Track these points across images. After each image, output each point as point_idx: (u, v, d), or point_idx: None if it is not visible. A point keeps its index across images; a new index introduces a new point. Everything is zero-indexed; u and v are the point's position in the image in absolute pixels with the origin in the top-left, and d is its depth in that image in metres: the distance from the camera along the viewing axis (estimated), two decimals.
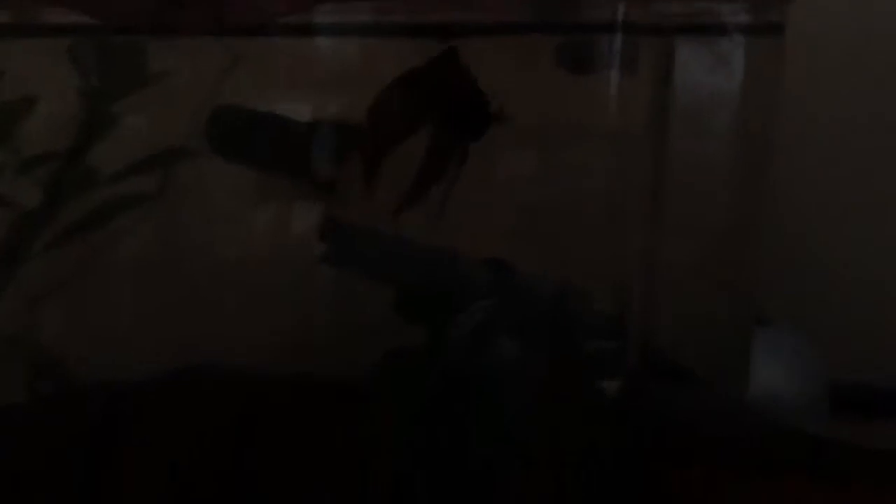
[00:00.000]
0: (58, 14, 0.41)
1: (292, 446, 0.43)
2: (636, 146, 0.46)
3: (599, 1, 0.42)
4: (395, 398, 0.43)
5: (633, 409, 0.43)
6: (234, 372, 0.46)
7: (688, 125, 0.46)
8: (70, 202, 0.44)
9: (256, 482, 0.42)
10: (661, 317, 0.48)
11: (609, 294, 0.46)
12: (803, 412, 0.51)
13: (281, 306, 0.46)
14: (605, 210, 0.46)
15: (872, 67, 0.57)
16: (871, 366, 0.61)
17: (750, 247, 0.48)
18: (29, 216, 0.43)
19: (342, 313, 0.46)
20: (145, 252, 0.46)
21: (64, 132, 0.44)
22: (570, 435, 0.43)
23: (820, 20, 0.48)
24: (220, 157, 0.42)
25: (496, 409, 0.43)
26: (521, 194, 0.46)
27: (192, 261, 0.46)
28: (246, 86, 0.43)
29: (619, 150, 0.46)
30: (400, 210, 0.41)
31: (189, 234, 0.46)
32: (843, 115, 0.55)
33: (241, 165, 0.43)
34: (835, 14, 0.50)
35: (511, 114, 0.41)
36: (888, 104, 0.60)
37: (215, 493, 0.42)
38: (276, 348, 0.46)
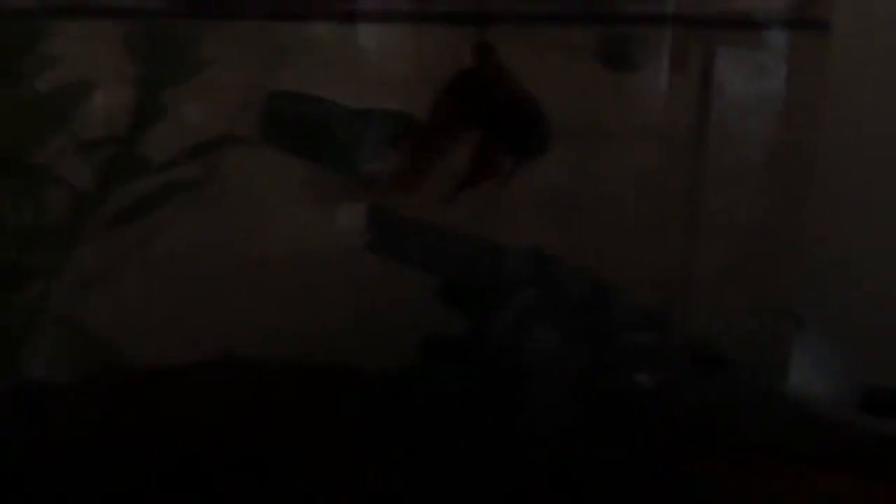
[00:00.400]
0: None
1: (331, 429, 0.44)
2: (678, 144, 0.47)
3: None
4: (436, 384, 0.44)
5: (671, 399, 0.44)
6: (270, 360, 0.47)
7: (729, 122, 0.47)
8: (122, 187, 0.45)
9: (295, 462, 0.43)
10: (701, 312, 0.48)
11: (650, 288, 0.47)
12: (836, 413, 0.51)
13: (327, 294, 0.46)
14: (647, 207, 0.47)
15: None
16: None
17: (787, 247, 0.48)
18: (83, 198, 0.44)
19: (386, 301, 0.46)
20: (192, 239, 0.47)
21: (118, 118, 0.45)
22: (605, 423, 0.43)
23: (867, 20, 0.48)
24: (271, 144, 0.42)
25: (535, 396, 0.43)
26: (564, 190, 0.46)
27: (238, 249, 0.47)
28: (294, 75, 0.44)
29: (661, 149, 0.46)
30: (450, 197, 0.41)
31: (236, 221, 0.47)
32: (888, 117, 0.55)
33: (292, 154, 0.43)
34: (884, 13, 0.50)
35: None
36: None
37: (250, 474, 0.43)
38: (319, 335, 0.47)
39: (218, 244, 0.47)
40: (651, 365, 0.45)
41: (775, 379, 0.47)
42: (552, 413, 0.43)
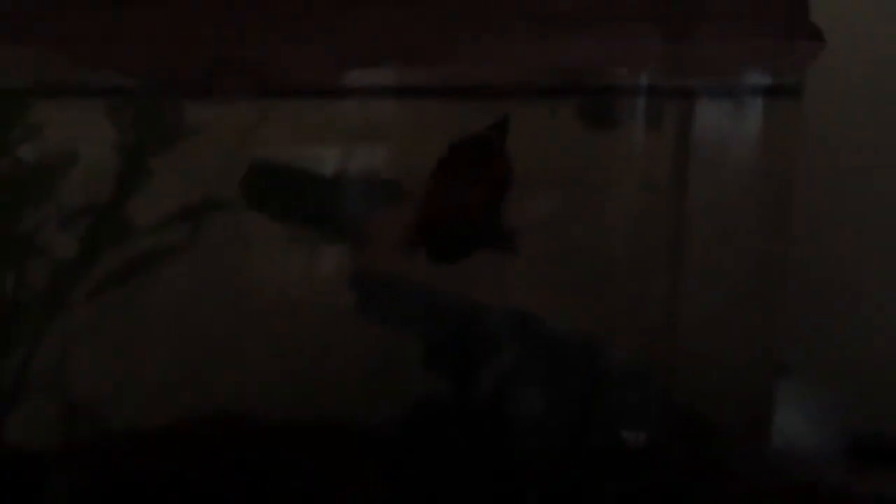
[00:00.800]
0: (101, 75, 0.42)
1: (319, 490, 0.44)
2: (658, 200, 0.47)
3: (620, 66, 0.44)
4: (422, 446, 0.44)
5: (656, 458, 0.44)
6: (259, 418, 0.47)
7: (707, 180, 0.47)
8: (106, 253, 0.46)
9: None
10: (685, 364, 0.48)
11: (632, 343, 0.47)
12: (823, 461, 0.52)
13: (309, 354, 0.47)
14: (628, 261, 0.47)
15: (891, 123, 0.58)
16: (892, 416, 0.61)
17: (770, 298, 0.49)
18: (66, 266, 0.44)
19: (369, 361, 0.47)
20: (176, 300, 0.47)
21: (101, 185, 0.45)
22: (592, 481, 0.43)
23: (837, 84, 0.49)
24: (256, 210, 0.43)
25: (521, 454, 0.43)
26: (545, 246, 0.46)
27: (222, 309, 0.47)
28: (274, 142, 0.44)
29: (642, 204, 0.47)
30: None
31: (220, 283, 0.47)
32: (867, 165, 0.57)
33: (276, 219, 0.44)
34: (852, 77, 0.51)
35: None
36: None
37: None
38: (303, 394, 0.47)
39: (202, 305, 0.47)
40: (636, 423, 0.45)
41: (760, 433, 0.48)
42: (538, 471, 0.43)
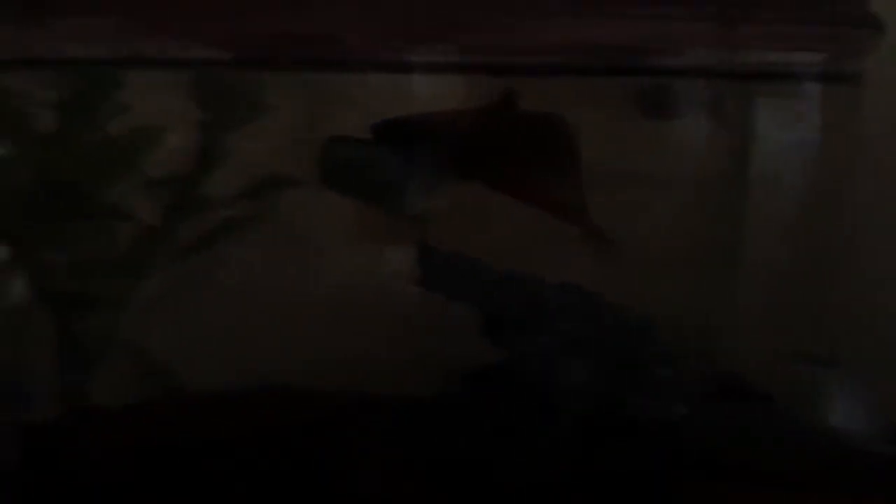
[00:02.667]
0: (179, 49, 0.44)
1: (372, 458, 0.46)
2: (716, 189, 0.49)
3: (673, 48, 0.45)
4: (475, 414, 0.46)
5: (703, 429, 0.45)
6: (317, 390, 0.49)
7: (766, 170, 0.48)
8: (185, 224, 0.48)
9: (336, 487, 0.45)
10: (738, 352, 0.49)
11: (687, 325, 0.48)
12: (869, 452, 0.52)
13: (374, 328, 0.49)
14: (687, 249, 0.48)
15: None
16: None
17: (826, 289, 0.50)
18: (151, 233, 0.47)
19: (431, 335, 0.48)
20: (250, 272, 0.50)
21: (183, 159, 0.48)
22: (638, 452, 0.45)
23: None
24: (328, 186, 0.45)
25: (569, 425, 0.45)
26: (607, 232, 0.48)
27: (292, 282, 0.50)
28: (344, 119, 0.46)
29: (700, 193, 0.48)
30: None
31: (290, 257, 0.49)
32: None
33: (347, 195, 0.46)
34: None
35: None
36: None
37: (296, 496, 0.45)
38: (365, 368, 0.49)
39: (273, 278, 0.49)
40: (685, 396, 0.46)
41: (806, 415, 0.49)
42: (584, 440, 0.45)
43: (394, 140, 0.44)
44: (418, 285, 0.46)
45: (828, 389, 0.52)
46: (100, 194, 0.47)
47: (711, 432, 0.46)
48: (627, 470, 0.44)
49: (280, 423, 0.48)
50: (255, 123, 0.48)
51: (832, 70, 0.48)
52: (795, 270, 0.50)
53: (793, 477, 0.46)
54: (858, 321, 0.57)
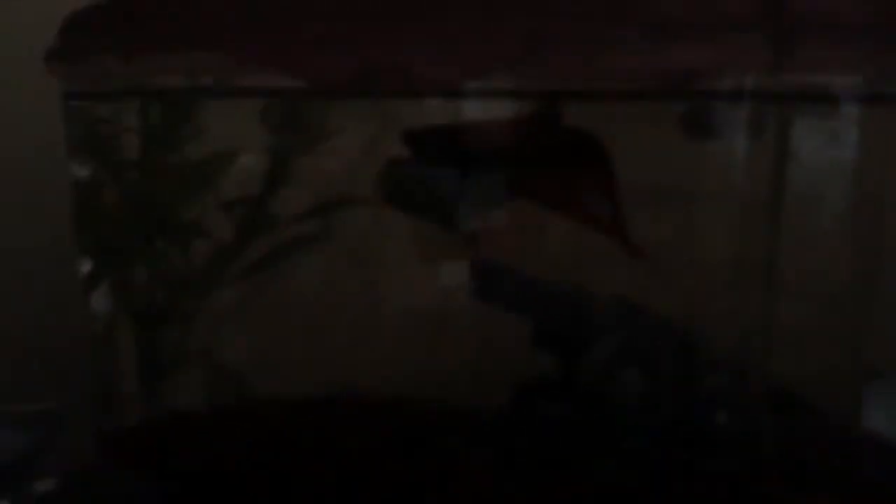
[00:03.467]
0: (256, 79, 0.48)
1: (435, 464, 0.48)
2: (758, 207, 0.50)
3: (729, 73, 0.46)
4: (531, 423, 0.48)
5: (753, 440, 0.47)
6: (382, 398, 0.51)
7: (806, 188, 0.50)
8: (255, 241, 0.52)
9: (403, 493, 0.47)
10: (780, 366, 0.51)
11: (732, 340, 0.50)
12: None
13: (431, 339, 0.51)
14: (729, 264, 0.50)
15: None
16: None
17: (864, 304, 0.51)
18: (224, 249, 0.50)
19: (487, 348, 0.51)
20: (315, 286, 0.53)
21: (254, 180, 0.51)
22: (690, 461, 0.46)
23: None
24: (388, 205, 0.48)
25: (623, 434, 0.47)
26: (652, 248, 0.50)
27: (354, 296, 0.52)
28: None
29: (743, 212, 0.50)
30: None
31: (353, 271, 0.52)
32: None
33: (406, 213, 0.48)
34: None
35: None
36: None
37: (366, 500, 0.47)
38: (425, 377, 0.52)
39: (338, 292, 0.52)
40: (733, 407, 0.48)
41: (855, 425, 0.50)
42: (639, 450, 0.47)
43: (425, 147, 0.46)
44: (473, 298, 0.49)
45: (876, 400, 0.53)
46: (179, 214, 0.50)
47: (761, 442, 0.48)
48: (683, 477, 0.46)
49: (348, 429, 0.50)
50: (321, 147, 0.51)
51: (873, 91, 0.49)
52: (841, 284, 0.51)
53: (841, 486, 0.47)
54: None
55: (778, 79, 0.47)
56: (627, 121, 0.48)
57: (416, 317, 0.52)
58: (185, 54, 0.44)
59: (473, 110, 0.47)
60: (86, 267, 0.52)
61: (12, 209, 0.65)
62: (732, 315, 0.50)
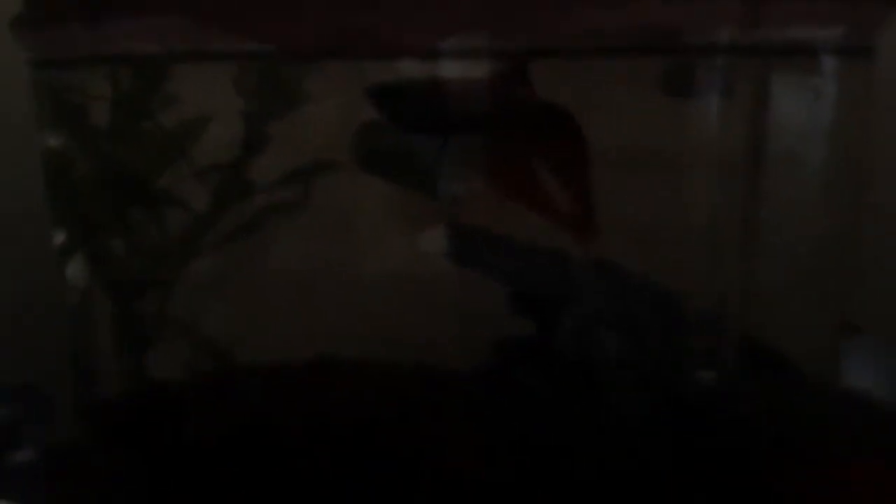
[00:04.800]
0: (227, 42, 0.47)
1: (415, 425, 0.48)
2: (734, 166, 0.50)
3: (700, 27, 0.46)
4: (509, 385, 0.48)
5: (732, 396, 0.47)
6: (362, 362, 0.51)
7: (782, 145, 0.50)
8: (232, 208, 0.51)
9: (381, 457, 0.47)
10: (759, 322, 0.51)
11: (708, 299, 0.50)
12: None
13: (409, 303, 0.51)
14: (707, 222, 0.50)
15: None
16: None
17: (842, 256, 0.51)
18: (200, 217, 0.50)
19: (463, 310, 0.51)
20: (292, 253, 0.52)
21: (228, 148, 0.51)
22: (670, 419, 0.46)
23: None
24: (363, 170, 0.47)
25: (600, 395, 0.47)
26: (629, 208, 0.50)
27: (331, 262, 0.52)
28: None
29: (719, 170, 0.50)
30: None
31: (330, 237, 0.52)
32: None
33: (381, 178, 0.48)
34: None
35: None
36: None
37: (345, 467, 0.47)
38: (401, 340, 0.52)
39: (315, 258, 0.52)
40: (712, 364, 0.48)
41: (833, 382, 0.50)
42: (617, 408, 0.47)
43: (390, 103, 0.46)
44: (450, 261, 0.49)
45: (853, 356, 0.54)
46: (152, 183, 0.50)
47: (742, 401, 0.48)
48: (665, 439, 0.46)
49: (329, 395, 0.51)
50: (297, 112, 0.50)
51: (849, 45, 0.49)
52: (818, 242, 0.51)
53: (822, 443, 0.48)
54: (881, 291, 0.58)
55: (754, 34, 0.47)
56: (605, 80, 0.47)
57: (395, 282, 0.51)
58: (151, 19, 0.43)
59: (451, 71, 0.47)
60: (60, 238, 0.52)
61: None
62: (711, 274, 0.50)
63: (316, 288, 0.52)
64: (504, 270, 0.49)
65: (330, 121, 0.50)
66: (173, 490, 0.48)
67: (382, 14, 0.43)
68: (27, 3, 0.48)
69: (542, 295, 0.49)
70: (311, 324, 0.52)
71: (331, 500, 0.46)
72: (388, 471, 0.47)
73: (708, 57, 0.48)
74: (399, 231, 0.51)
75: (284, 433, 0.48)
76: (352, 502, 0.46)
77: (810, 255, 0.51)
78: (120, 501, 0.49)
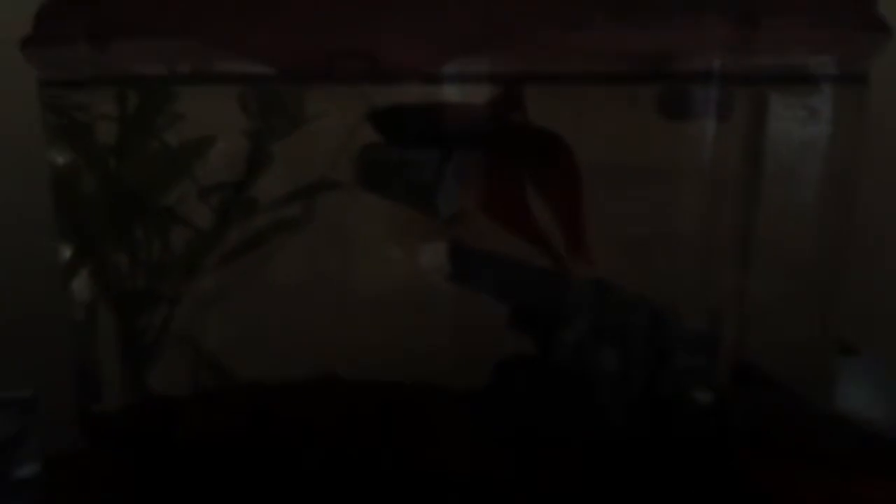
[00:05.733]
0: (231, 64, 0.48)
1: (417, 442, 0.49)
2: (730, 187, 0.51)
3: (697, 53, 0.47)
4: (509, 399, 0.49)
5: (724, 413, 0.48)
6: (363, 380, 0.52)
7: (777, 167, 0.51)
8: (235, 225, 0.52)
9: (386, 472, 0.48)
10: (750, 338, 0.52)
11: (703, 316, 0.51)
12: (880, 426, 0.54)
13: (410, 321, 0.52)
14: (701, 244, 0.51)
15: None
16: None
17: (834, 278, 0.52)
18: (203, 236, 0.51)
19: (464, 328, 0.51)
20: (295, 270, 0.53)
21: (232, 166, 0.52)
22: (663, 434, 0.47)
23: None
24: (366, 189, 0.48)
25: (597, 409, 0.48)
26: (625, 228, 0.50)
27: (334, 279, 0.53)
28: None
29: (715, 190, 0.50)
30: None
31: (332, 255, 0.53)
32: None
33: (382, 197, 0.49)
34: None
35: None
36: None
37: (349, 481, 0.48)
38: (403, 358, 0.52)
39: (317, 276, 0.53)
40: (704, 383, 0.49)
41: (820, 399, 0.51)
42: (614, 422, 0.48)
43: (389, 126, 0.47)
44: (451, 280, 0.49)
45: (847, 376, 0.54)
46: (158, 200, 0.50)
47: (734, 417, 0.49)
48: (660, 450, 0.47)
49: (330, 411, 0.51)
50: (300, 132, 0.51)
51: (843, 71, 0.50)
52: (813, 261, 0.52)
53: (813, 460, 0.48)
54: (878, 310, 0.59)
55: (748, 60, 0.48)
56: (603, 104, 0.48)
57: (396, 300, 0.52)
58: (157, 41, 0.44)
59: (452, 95, 0.48)
60: (66, 253, 0.52)
61: None
62: (706, 292, 0.51)
63: (317, 305, 0.53)
64: (502, 288, 0.50)
65: (332, 141, 0.50)
66: (173, 501, 0.49)
67: (382, 38, 0.44)
68: (37, 25, 0.49)
69: (541, 312, 0.49)
70: (311, 340, 0.53)
71: None
72: (387, 487, 0.47)
73: (703, 83, 0.48)
74: (400, 249, 0.52)
75: (283, 449, 0.49)
76: None
77: (805, 274, 0.52)
78: None
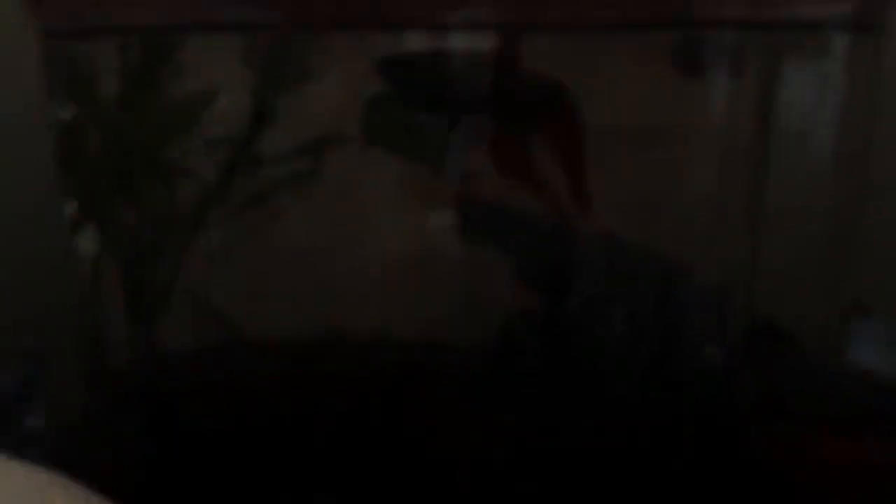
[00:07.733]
0: (235, 12, 0.47)
1: (423, 402, 0.49)
2: (742, 143, 0.50)
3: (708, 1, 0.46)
4: (516, 359, 0.48)
5: (736, 373, 0.47)
6: (371, 337, 0.52)
7: (790, 123, 0.50)
8: (240, 181, 0.51)
9: (390, 433, 0.48)
10: (766, 301, 0.51)
11: (715, 272, 0.50)
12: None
13: (418, 278, 0.52)
14: (714, 199, 0.50)
15: None
16: None
17: (849, 235, 0.51)
18: (209, 188, 0.50)
19: (472, 285, 0.51)
20: (301, 226, 0.53)
21: (237, 120, 0.51)
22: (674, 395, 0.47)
23: None
24: (372, 143, 0.47)
25: (606, 370, 0.47)
26: (637, 184, 0.50)
27: (341, 234, 0.52)
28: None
29: (727, 147, 0.50)
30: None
31: (339, 211, 0.52)
32: None
33: (389, 152, 0.48)
34: None
35: None
36: None
37: (355, 442, 0.48)
38: (411, 316, 0.52)
39: (324, 233, 0.52)
40: (718, 339, 0.48)
41: (834, 359, 0.50)
42: (625, 382, 0.47)
43: (400, 75, 0.46)
44: (460, 234, 0.49)
45: (859, 334, 0.54)
46: (162, 153, 0.50)
47: (747, 376, 0.48)
48: (672, 414, 0.47)
49: (336, 369, 0.51)
50: (306, 85, 0.50)
51: (859, 21, 0.49)
52: (826, 219, 0.51)
53: (826, 420, 0.48)
54: (889, 269, 0.58)
55: (762, 11, 0.47)
56: (613, 55, 0.47)
57: (404, 256, 0.52)
58: None
59: (457, 45, 0.47)
60: (70, 209, 0.52)
61: None
62: (719, 251, 0.50)
63: (324, 262, 0.52)
64: (512, 243, 0.49)
65: (338, 95, 0.50)
66: (181, 459, 0.49)
67: None
68: None
69: (550, 268, 0.49)
70: (319, 297, 0.52)
71: (339, 476, 0.47)
72: (394, 448, 0.47)
73: (716, 32, 0.47)
74: (409, 205, 0.52)
75: (289, 407, 0.49)
76: (358, 480, 0.47)
77: (818, 234, 0.51)
78: (128, 470, 0.49)
